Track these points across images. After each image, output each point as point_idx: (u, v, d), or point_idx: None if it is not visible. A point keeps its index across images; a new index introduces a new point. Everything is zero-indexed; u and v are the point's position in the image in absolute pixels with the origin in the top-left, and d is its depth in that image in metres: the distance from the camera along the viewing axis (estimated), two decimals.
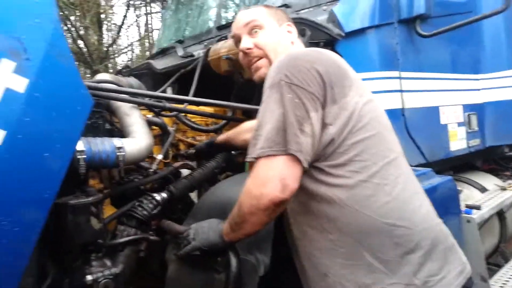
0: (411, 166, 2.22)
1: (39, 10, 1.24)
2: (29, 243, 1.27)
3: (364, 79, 2.10)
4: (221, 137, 2.15)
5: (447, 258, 1.22)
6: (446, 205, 2.02)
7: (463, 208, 2.35)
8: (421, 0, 2.30)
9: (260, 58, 1.51)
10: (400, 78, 2.27)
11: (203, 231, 1.43)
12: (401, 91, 2.27)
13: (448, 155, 2.61)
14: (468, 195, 2.79)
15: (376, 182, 1.17)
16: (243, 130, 1.97)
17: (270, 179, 1.10)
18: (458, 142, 2.68)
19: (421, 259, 1.17)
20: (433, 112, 2.53)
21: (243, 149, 2.20)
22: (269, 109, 1.15)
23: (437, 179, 2.01)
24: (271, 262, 1.54)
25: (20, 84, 1.20)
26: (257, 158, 1.13)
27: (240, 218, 1.21)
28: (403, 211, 1.18)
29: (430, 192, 1.88)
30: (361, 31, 2.13)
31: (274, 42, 1.49)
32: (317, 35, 2.04)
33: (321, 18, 2.11)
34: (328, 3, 2.29)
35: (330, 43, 2.07)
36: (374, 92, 2.13)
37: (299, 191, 1.20)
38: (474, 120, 2.83)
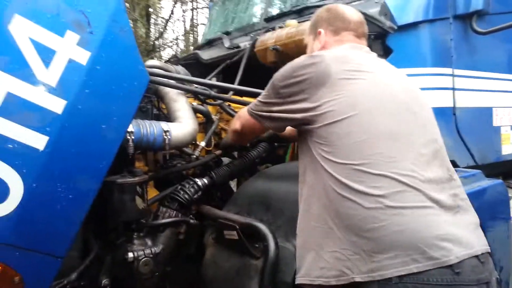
0: (460, 167, 2.16)
1: None
2: (81, 211, 1.31)
3: (414, 75, 2.03)
4: None
5: None
6: (494, 210, 1.93)
7: None
8: None
9: None
10: (453, 75, 2.18)
11: None
12: (453, 89, 2.18)
13: (499, 159, 2.49)
14: None
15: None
16: None
17: None
18: (511, 146, 2.55)
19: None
20: (486, 113, 2.42)
21: (288, 140, 2.20)
22: None
23: (486, 182, 1.92)
24: None
25: (83, 57, 1.25)
26: None
27: None
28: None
29: (479, 194, 1.80)
30: (414, 25, 2.07)
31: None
32: (368, 28, 1.99)
33: (372, 10, 2.06)
34: None
35: (381, 36, 2.02)
36: (424, 89, 2.07)
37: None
38: None
